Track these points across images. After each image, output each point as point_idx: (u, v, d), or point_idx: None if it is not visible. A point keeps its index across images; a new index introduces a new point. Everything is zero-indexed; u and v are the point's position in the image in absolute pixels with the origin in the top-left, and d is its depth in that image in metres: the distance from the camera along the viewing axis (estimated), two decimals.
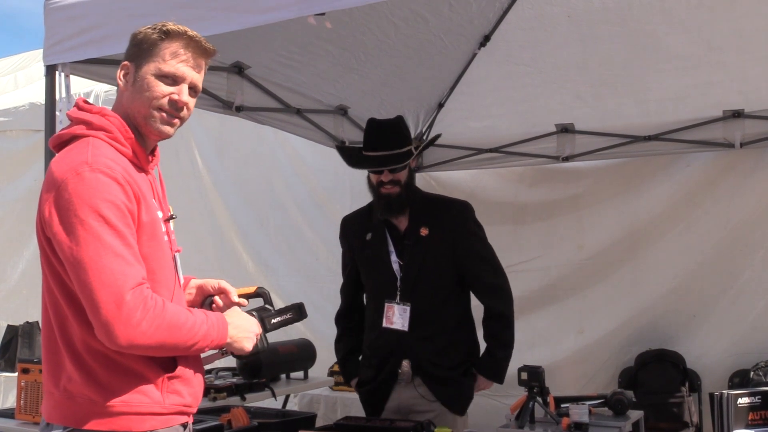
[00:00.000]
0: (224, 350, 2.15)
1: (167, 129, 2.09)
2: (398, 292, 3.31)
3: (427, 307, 3.31)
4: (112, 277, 1.84)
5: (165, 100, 2.05)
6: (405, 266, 3.33)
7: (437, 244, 3.33)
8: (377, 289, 3.43)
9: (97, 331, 1.87)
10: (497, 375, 3.40)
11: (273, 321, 2.27)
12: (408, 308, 3.28)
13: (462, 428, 3.30)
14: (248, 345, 2.15)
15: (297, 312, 2.33)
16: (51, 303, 2.02)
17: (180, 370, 2.07)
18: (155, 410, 2.01)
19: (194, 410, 2.15)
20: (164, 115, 2.06)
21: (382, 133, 3.38)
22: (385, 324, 3.31)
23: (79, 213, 1.86)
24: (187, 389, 2.10)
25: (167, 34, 2.04)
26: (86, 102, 2.13)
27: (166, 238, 2.11)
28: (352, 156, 3.55)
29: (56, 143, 2.10)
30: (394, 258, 3.35)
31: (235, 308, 2.22)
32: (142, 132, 2.09)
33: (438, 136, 3.91)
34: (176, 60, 2.05)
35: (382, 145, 3.32)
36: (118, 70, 2.10)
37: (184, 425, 2.12)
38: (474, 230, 3.43)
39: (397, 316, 3.29)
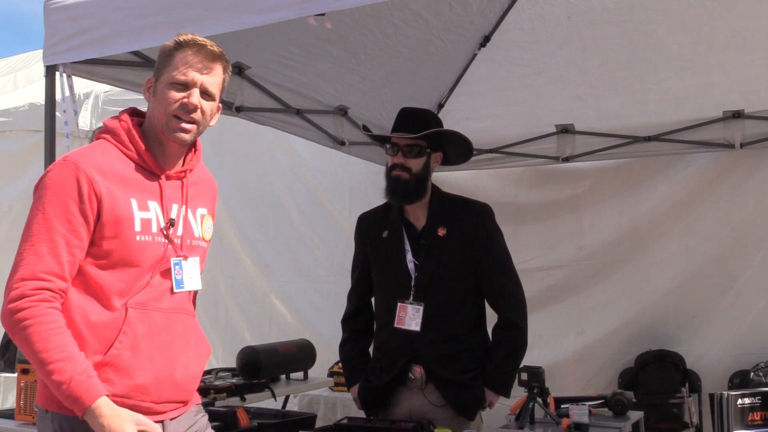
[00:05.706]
0: None
1: (182, 135, 2.18)
2: (412, 292, 3.23)
3: (441, 308, 3.23)
4: (19, 263, 2.03)
5: (177, 105, 2.15)
6: (420, 266, 3.25)
7: (455, 246, 3.25)
8: (390, 288, 3.33)
9: None
10: (505, 388, 3.30)
11: None
12: (421, 308, 3.21)
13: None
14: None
15: None
16: None
17: (111, 357, 2.05)
18: None
19: (143, 404, 2.09)
20: (179, 120, 2.17)
21: (409, 118, 3.30)
22: (397, 324, 3.23)
23: (34, 198, 2.07)
24: (121, 380, 2.06)
25: (179, 45, 2.17)
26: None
27: (147, 238, 2.14)
28: (377, 138, 3.52)
29: None
30: (409, 257, 3.27)
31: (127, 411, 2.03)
32: (162, 140, 2.20)
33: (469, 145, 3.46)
34: (186, 67, 2.16)
35: (407, 128, 3.24)
36: (145, 85, 2.23)
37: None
38: (494, 235, 3.34)
39: (409, 317, 3.22)
